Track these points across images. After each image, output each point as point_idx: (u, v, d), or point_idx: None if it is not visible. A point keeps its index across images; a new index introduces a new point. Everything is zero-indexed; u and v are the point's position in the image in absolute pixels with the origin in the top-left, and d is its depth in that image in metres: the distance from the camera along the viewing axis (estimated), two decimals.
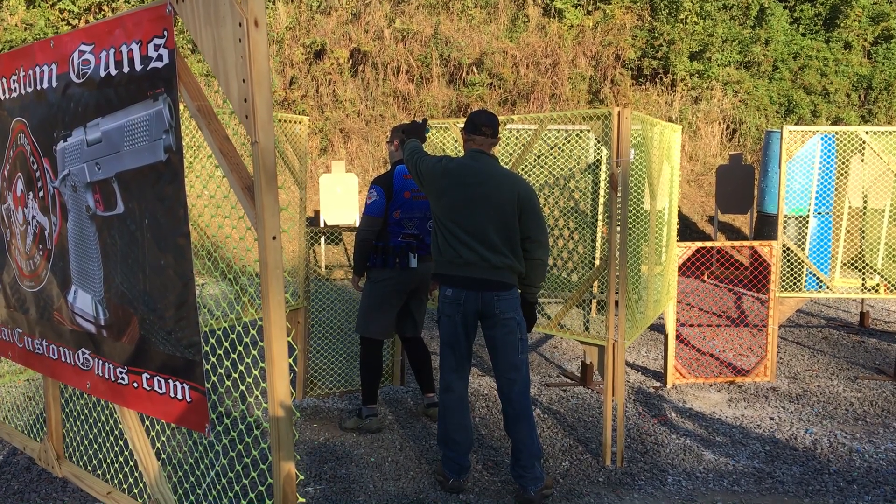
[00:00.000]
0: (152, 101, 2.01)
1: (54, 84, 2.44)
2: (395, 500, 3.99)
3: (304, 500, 1.97)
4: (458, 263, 3.85)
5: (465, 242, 3.81)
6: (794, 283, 6.42)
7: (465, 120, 4.14)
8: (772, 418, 5.24)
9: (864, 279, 7.38)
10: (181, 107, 2.04)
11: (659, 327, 7.18)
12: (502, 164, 5.23)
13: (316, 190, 10.92)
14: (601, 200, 6.88)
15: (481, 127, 3.98)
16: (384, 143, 13.18)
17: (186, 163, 3.88)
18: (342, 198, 10.52)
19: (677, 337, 6.29)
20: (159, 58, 1.97)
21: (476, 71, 14.07)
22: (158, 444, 3.15)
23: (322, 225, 10.38)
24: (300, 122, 5.27)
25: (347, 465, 4.41)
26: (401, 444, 4.72)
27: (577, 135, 5.84)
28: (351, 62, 13.82)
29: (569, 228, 5.64)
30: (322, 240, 10.69)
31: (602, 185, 6.71)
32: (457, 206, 3.83)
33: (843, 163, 6.88)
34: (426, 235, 4.89)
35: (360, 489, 4.12)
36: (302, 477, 1.84)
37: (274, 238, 1.76)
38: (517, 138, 5.73)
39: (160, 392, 2.19)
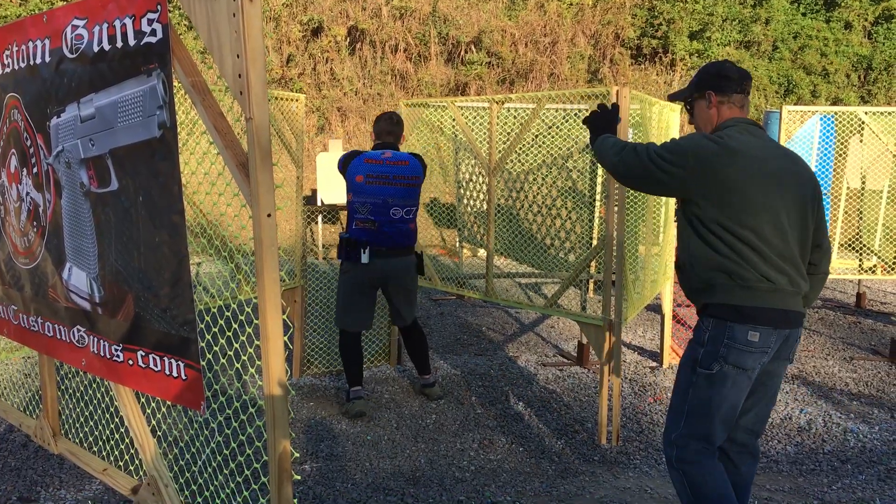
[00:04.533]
0: (146, 77, 1.99)
1: (47, 59, 2.42)
2: (391, 478, 4.01)
3: (299, 477, 1.97)
4: (763, 290, 2.68)
5: (768, 258, 2.66)
6: None
7: (698, 76, 2.97)
8: None
9: (861, 260, 7.38)
10: (175, 83, 2.02)
11: (656, 307, 7.19)
12: (500, 144, 5.20)
13: (313, 169, 10.89)
14: (599, 181, 6.86)
15: (742, 81, 2.89)
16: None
17: (181, 140, 3.85)
18: (340, 177, 10.47)
19: (674, 317, 6.29)
20: (153, 33, 1.95)
21: (474, 49, 13.98)
22: (154, 422, 3.16)
23: (319, 204, 10.36)
24: (297, 100, 5.23)
25: (343, 444, 4.42)
26: (397, 423, 4.74)
27: (576, 114, 5.81)
28: (348, 40, 13.73)
29: (566, 208, 5.62)
30: (319, 219, 10.67)
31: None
32: (756, 205, 2.65)
33: (842, 143, 6.87)
34: (385, 224, 4.59)
35: (355, 467, 4.14)
36: (297, 455, 1.85)
37: (269, 215, 1.75)
38: (515, 117, 5.70)
39: (155, 370, 2.19)
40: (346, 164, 4.72)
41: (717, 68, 2.93)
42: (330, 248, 10.68)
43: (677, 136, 6.04)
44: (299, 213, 5.36)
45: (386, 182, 4.60)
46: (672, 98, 3.16)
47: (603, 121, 3.18)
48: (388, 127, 4.85)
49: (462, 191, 6.26)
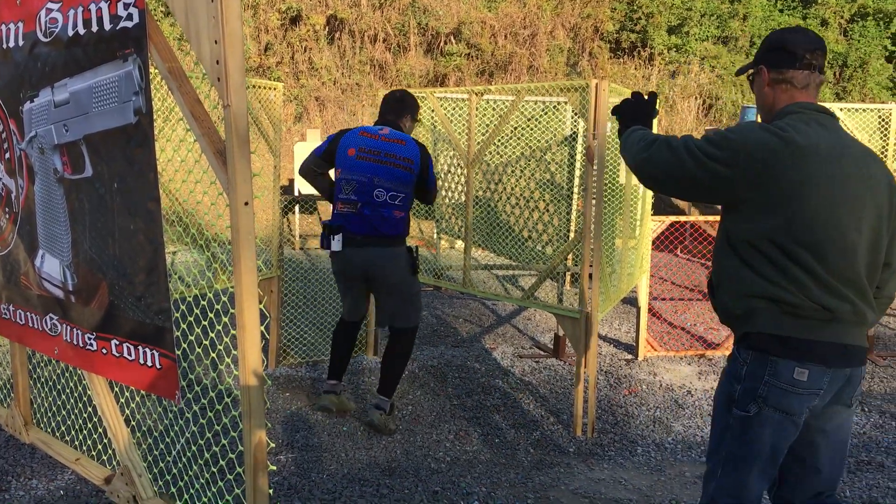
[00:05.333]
0: (122, 62, 1.96)
1: (20, 43, 2.38)
2: (367, 469, 4.00)
3: (274, 468, 1.96)
4: (819, 320, 2.18)
5: (826, 282, 2.16)
6: None
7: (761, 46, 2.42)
8: None
9: None
10: (152, 68, 2.00)
11: (631, 300, 7.23)
12: (479, 137, 5.20)
13: (291, 158, 10.82)
14: (577, 173, 6.89)
15: (807, 54, 2.30)
16: (362, 111, 13.07)
17: (157, 127, 3.81)
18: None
19: (649, 310, 6.34)
20: (129, 17, 1.92)
21: (454, 41, 13.95)
22: (128, 411, 3.13)
23: (297, 194, 10.30)
24: (275, 89, 5.19)
25: (319, 434, 4.41)
26: None
27: (554, 107, 5.82)
28: (327, 29, 13.65)
29: (544, 201, 5.64)
30: (297, 209, 10.61)
31: (578, 157, 6.71)
32: (819, 218, 2.15)
33: None
34: (367, 206, 4.16)
35: (331, 458, 4.13)
36: (273, 445, 1.84)
37: (246, 204, 1.73)
38: (493, 109, 5.70)
39: (129, 359, 2.17)
40: (339, 138, 4.31)
41: (777, 36, 2.38)
42: (307, 239, 10.63)
43: (656, 131, 6.06)
44: (276, 202, 5.33)
45: (376, 159, 4.18)
46: (738, 73, 2.68)
47: (636, 111, 2.65)
48: (391, 104, 4.43)
49: (440, 182, 6.26)
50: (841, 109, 6.27)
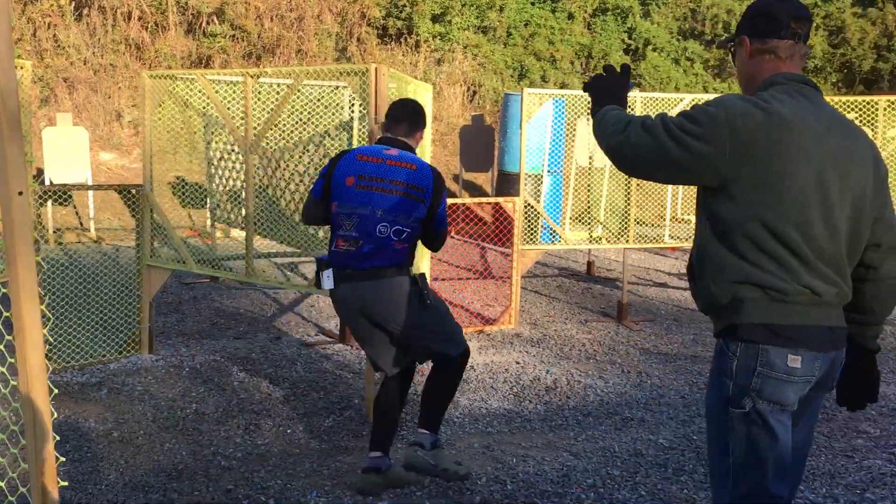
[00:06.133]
0: None
1: None
2: (151, 475, 3.78)
3: (66, 483, 1.78)
4: (805, 304, 2.08)
5: (814, 265, 2.06)
6: (533, 237, 6.90)
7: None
8: (517, 362, 5.63)
9: (590, 231, 8.12)
10: None
11: None
12: (255, 122, 5.03)
13: (38, 145, 9.85)
14: None
15: (791, 22, 2.17)
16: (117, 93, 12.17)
17: None
18: (70, 154, 9.59)
19: None
20: None
21: (217, 21, 13.39)
22: None
23: (48, 184, 9.41)
24: (22, 67, 4.69)
25: (93, 443, 4.09)
26: (153, 416, 4.46)
27: (332, 91, 5.78)
28: (73, 4, 12.54)
29: None
30: (49, 202, 9.70)
31: (356, 142, 6.72)
32: (807, 195, 2.05)
33: (571, 124, 7.49)
34: (368, 243, 3.42)
35: (109, 467, 3.85)
36: (63, 459, 1.67)
37: (20, 193, 1.55)
38: (268, 93, 5.56)
39: None
40: (333, 167, 3.57)
41: (761, 2, 2.22)
42: (63, 233, 9.77)
43: (430, 116, 6.21)
44: (28, 193, 4.83)
45: (379, 187, 3.44)
46: (719, 45, 2.49)
47: (608, 87, 2.39)
48: (403, 117, 3.66)
49: (213, 169, 5.99)
50: None
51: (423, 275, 3.67)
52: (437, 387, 3.65)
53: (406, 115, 3.66)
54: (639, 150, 2.10)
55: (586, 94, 2.43)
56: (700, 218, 2.19)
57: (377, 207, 3.41)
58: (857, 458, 4.09)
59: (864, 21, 17.59)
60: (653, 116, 2.14)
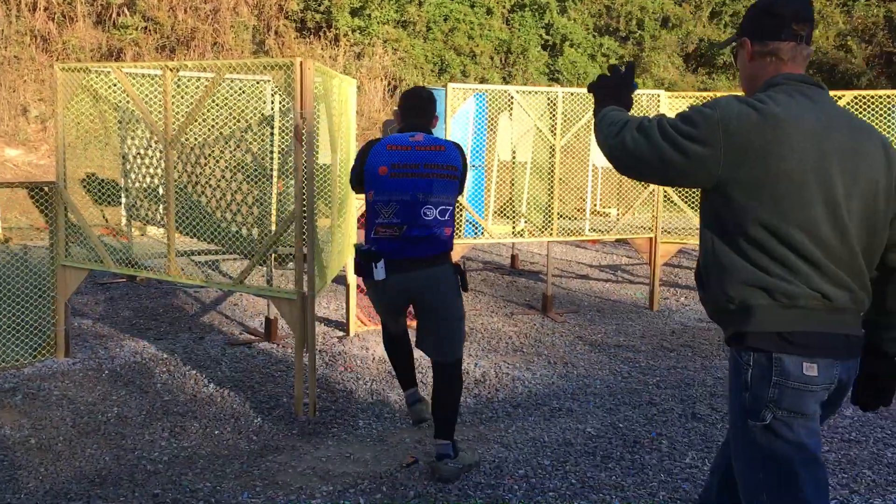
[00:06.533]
0: None
1: None
2: (73, 482, 3.65)
3: None
4: (818, 310, 2.02)
5: (825, 268, 2.01)
6: (457, 231, 6.94)
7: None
8: None
9: (513, 225, 8.21)
10: None
11: (339, 279, 7.34)
12: (174, 118, 4.89)
13: None
14: (275, 155, 6.78)
15: (793, 22, 2.12)
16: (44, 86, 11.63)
17: None
18: None
19: (358, 287, 6.47)
20: None
21: (128, 12, 12.95)
22: None
23: None
24: None
25: (10, 451, 3.92)
26: (73, 421, 4.31)
27: (254, 84, 5.67)
28: None
29: (247, 183, 5.48)
30: None
31: (277, 137, 6.62)
32: (809, 195, 1.99)
33: (493, 119, 7.55)
34: (414, 227, 3.58)
35: (28, 475, 3.70)
36: None
37: None
38: (186, 86, 5.41)
39: None
40: (365, 156, 3.71)
41: (763, 3, 2.17)
42: None
43: (354, 111, 6.16)
44: None
45: (416, 173, 3.60)
46: (720, 46, 2.48)
47: (611, 87, 2.38)
48: (418, 106, 3.83)
49: (128, 165, 5.80)
50: (518, 92, 6.87)
51: (464, 262, 3.81)
52: (444, 394, 3.81)
53: (423, 103, 3.85)
54: (634, 151, 2.10)
55: (590, 94, 2.42)
56: (703, 223, 2.16)
57: (418, 192, 3.58)
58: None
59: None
60: (651, 117, 2.14)
